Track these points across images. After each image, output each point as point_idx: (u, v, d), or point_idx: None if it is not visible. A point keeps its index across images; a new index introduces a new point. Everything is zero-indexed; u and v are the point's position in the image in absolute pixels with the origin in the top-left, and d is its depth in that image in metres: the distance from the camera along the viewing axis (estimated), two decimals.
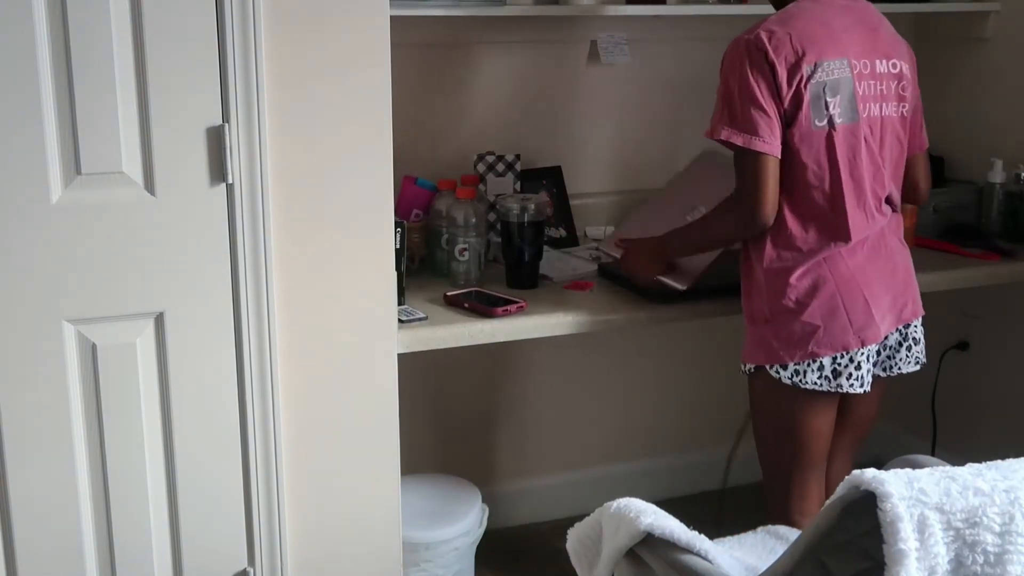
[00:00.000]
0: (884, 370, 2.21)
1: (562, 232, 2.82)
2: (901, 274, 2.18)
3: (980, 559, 1.35)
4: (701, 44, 3.01)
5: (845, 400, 2.19)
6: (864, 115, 2.08)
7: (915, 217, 2.59)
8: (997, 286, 2.78)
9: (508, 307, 2.26)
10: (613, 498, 1.75)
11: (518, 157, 2.72)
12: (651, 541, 1.64)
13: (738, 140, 2.02)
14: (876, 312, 2.09)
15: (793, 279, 2.08)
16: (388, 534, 2.15)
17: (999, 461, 1.42)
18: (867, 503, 1.33)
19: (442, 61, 2.74)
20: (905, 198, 2.26)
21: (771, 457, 2.24)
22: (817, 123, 2.03)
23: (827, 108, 2.03)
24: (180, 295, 1.87)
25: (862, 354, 2.09)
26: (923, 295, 2.59)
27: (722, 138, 2.04)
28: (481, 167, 2.68)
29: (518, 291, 2.40)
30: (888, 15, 2.20)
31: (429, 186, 2.61)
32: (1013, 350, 3.01)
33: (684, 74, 3.01)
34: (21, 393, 1.80)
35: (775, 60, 2.01)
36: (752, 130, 2.01)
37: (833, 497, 1.38)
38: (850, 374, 2.09)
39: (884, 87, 2.11)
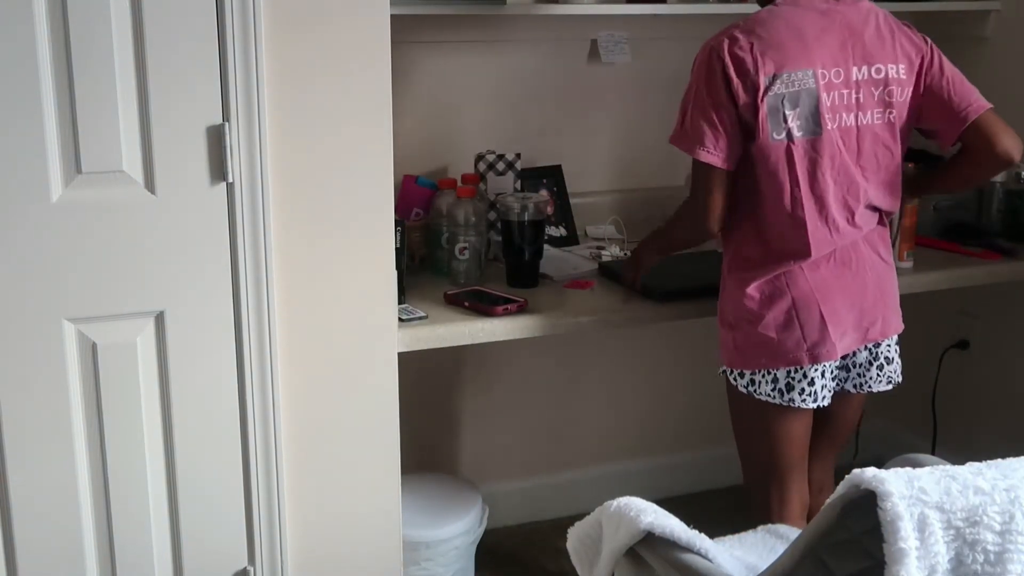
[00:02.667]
0: (855, 387, 2.19)
1: (562, 231, 2.82)
2: (872, 290, 2.12)
3: (980, 558, 1.35)
4: (701, 43, 3.00)
5: (822, 408, 2.17)
6: (833, 127, 2.03)
7: (915, 216, 2.59)
8: (997, 285, 2.78)
9: (508, 306, 2.26)
10: (613, 497, 1.75)
11: (518, 156, 2.72)
12: (651, 540, 1.64)
13: (684, 148, 2.03)
14: (833, 330, 2.06)
15: (750, 289, 2.07)
16: (388, 533, 2.15)
17: (999, 460, 1.42)
18: (867, 502, 1.33)
19: (442, 59, 2.74)
20: (988, 164, 2.16)
21: (746, 461, 2.25)
22: (775, 136, 2.00)
23: (785, 121, 2.00)
24: (180, 294, 1.87)
25: (816, 370, 2.08)
26: (923, 294, 2.59)
27: (673, 144, 2.07)
28: (481, 166, 2.68)
29: (518, 290, 2.40)
30: (891, 14, 2.19)
31: (429, 185, 2.61)
32: (1013, 349, 3.01)
33: (684, 73, 2.99)
34: (21, 392, 1.80)
35: (732, 71, 1.98)
36: (698, 139, 2.00)
37: (833, 496, 1.38)
38: (803, 389, 2.08)
39: (861, 95, 2.06)
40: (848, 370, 2.17)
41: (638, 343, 3.08)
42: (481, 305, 2.27)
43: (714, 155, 2.00)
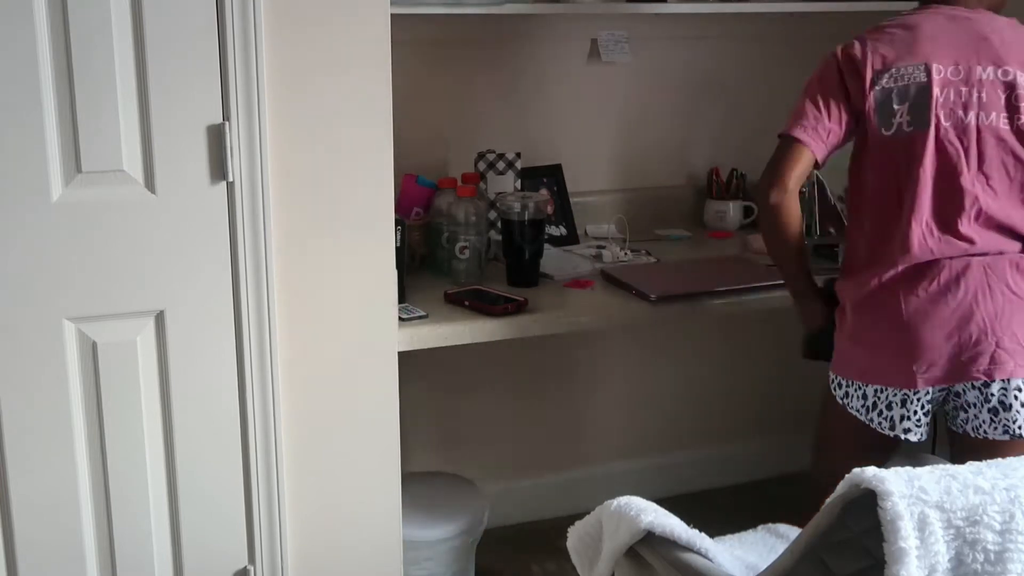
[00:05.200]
0: (972, 430, 2.00)
1: (563, 230, 2.82)
2: (981, 322, 1.92)
3: (980, 557, 1.35)
4: (702, 42, 3.01)
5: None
6: (946, 123, 1.96)
7: None
8: None
9: (508, 305, 2.26)
10: (614, 496, 1.75)
11: (519, 155, 2.72)
12: (651, 539, 1.64)
13: (785, 128, 2.02)
14: (923, 357, 1.93)
15: (851, 295, 2.02)
16: (388, 532, 2.15)
17: (999, 459, 1.42)
18: (867, 501, 1.33)
19: (443, 59, 2.74)
20: None
21: (822, 465, 2.16)
22: (884, 131, 1.98)
23: (894, 115, 1.97)
24: (180, 293, 1.87)
25: (898, 395, 1.97)
26: None
27: (780, 135, 2.04)
28: (482, 165, 2.68)
29: (519, 289, 2.40)
30: (889, 13, 2.18)
31: (430, 184, 2.61)
32: None
33: (684, 72, 3.01)
34: (22, 391, 1.80)
35: (843, 65, 2.01)
36: (798, 118, 2.00)
37: (834, 495, 1.38)
38: (881, 411, 1.98)
39: (984, 95, 1.96)
40: (960, 409, 2.00)
41: (638, 343, 3.08)
42: (481, 304, 2.27)
43: (809, 136, 1.99)
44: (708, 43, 3.00)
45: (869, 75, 1.98)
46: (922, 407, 1.99)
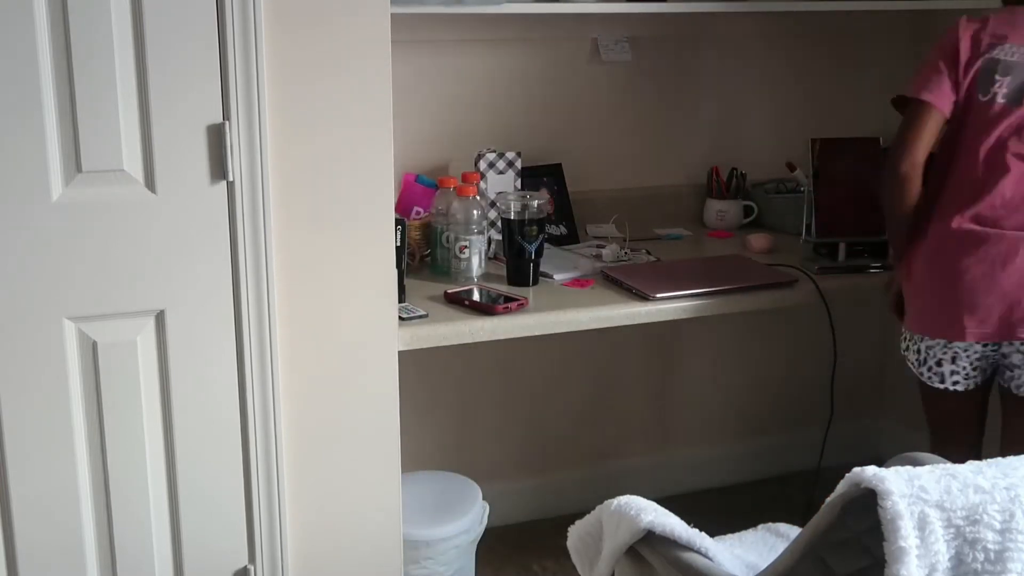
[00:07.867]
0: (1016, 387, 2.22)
1: (563, 229, 2.82)
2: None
3: (980, 556, 1.36)
4: (702, 41, 3.01)
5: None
6: None
7: None
8: None
9: (509, 304, 2.26)
10: (614, 496, 1.75)
11: (519, 155, 2.72)
12: (652, 539, 1.64)
13: (909, 91, 2.19)
14: (975, 313, 2.12)
15: (919, 252, 2.20)
16: (389, 531, 2.15)
17: (999, 458, 1.43)
18: (868, 501, 1.33)
19: (443, 58, 2.74)
20: None
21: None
22: (981, 96, 2.15)
23: (993, 85, 2.15)
24: (181, 293, 1.87)
25: (948, 351, 2.18)
26: None
27: (902, 97, 2.23)
28: (482, 164, 2.68)
29: (519, 288, 2.40)
30: (890, 12, 2.19)
31: (430, 184, 2.61)
32: None
33: (685, 72, 3.01)
34: (22, 390, 1.80)
35: (960, 33, 2.19)
36: (923, 84, 2.18)
37: (834, 495, 1.39)
38: (931, 367, 2.21)
39: None
40: (1007, 368, 2.22)
41: (638, 342, 3.08)
42: (481, 304, 2.27)
43: (935, 95, 2.16)
44: (707, 43, 3.01)
45: (984, 46, 2.16)
46: (971, 363, 2.19)
